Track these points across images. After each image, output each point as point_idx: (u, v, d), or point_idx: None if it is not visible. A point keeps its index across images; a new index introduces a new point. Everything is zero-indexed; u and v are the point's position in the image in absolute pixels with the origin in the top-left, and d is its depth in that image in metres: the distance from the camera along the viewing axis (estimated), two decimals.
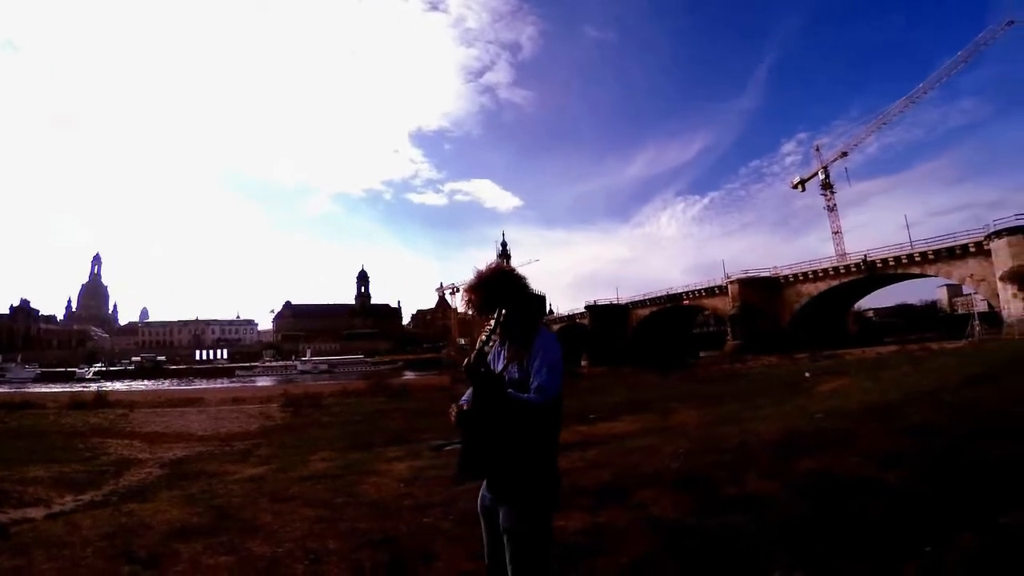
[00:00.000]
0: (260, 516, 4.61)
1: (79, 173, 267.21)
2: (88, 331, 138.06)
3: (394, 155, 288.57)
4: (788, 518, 3.74)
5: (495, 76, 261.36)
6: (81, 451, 9.79)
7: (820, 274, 52.43)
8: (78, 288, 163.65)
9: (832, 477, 4.67)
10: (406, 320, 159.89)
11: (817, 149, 77.30)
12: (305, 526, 4.25)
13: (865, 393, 11.26)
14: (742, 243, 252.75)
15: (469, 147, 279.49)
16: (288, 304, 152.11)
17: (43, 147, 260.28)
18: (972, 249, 41.22)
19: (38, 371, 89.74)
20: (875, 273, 49.01)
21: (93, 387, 40.60)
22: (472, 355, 1.91)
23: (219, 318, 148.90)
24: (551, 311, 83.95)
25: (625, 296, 74.10)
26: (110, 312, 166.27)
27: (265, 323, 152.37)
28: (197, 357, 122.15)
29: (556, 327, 73.62)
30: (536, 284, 2.24)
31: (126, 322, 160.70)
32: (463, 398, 2.15)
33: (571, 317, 77.89)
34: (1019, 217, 37.87)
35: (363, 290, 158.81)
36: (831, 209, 74.71)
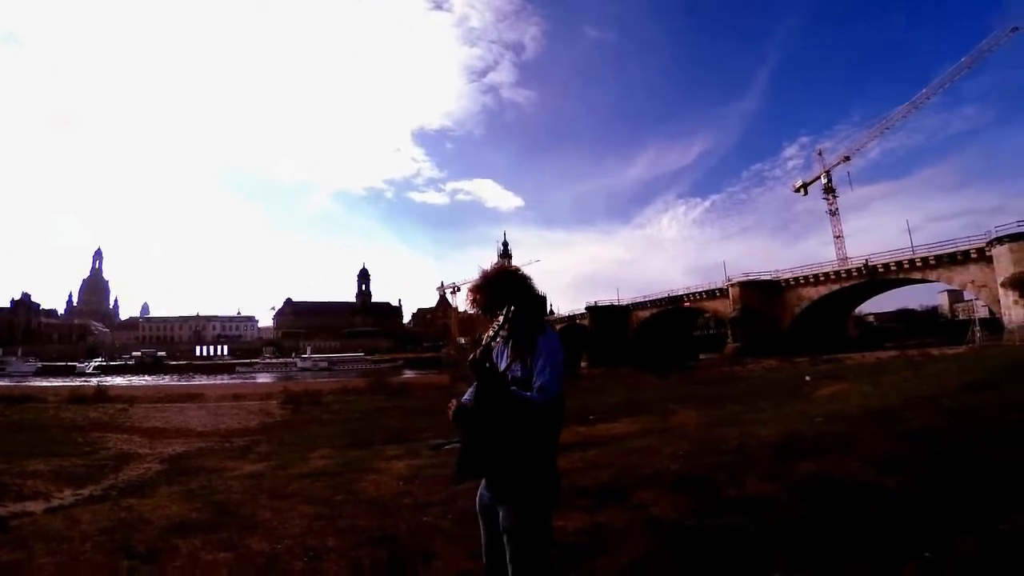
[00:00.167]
0: (259, 513, 4.61)
1: (80, 170, 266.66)
2: (89, 326, 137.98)
3: (396, 154, 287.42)
4: (788, 520, 3.74)
5: (498, 76, 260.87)
6: (81, 445, 9.81)
7: (821, 278, 52.42)
8: (79, 283, 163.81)
9: (832, 480, 4.67)
10: (407, 319, 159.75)
11: (820, 153, 77.57)
12: (304, 523, 4.25)
13: (865, 397, 11.25)
14: (742, 246, 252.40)
15: (471, 147, 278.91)
16: (289, 301, 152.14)
17: (44, 144, 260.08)
18: (974, 255, 41.22)
19: (38, 365, 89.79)
20: (876, 278, 49.00)
21: (93, 382, 40.50)
22: (478, 351, 1.92)
23: (220, 314, 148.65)
24: (551, 311, 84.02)
25: (626, 297, 74.32)
26: (111, 307, 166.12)
27: (266, 320, 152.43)
28: (197, 353, 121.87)
29: (557, 327, 73.53)
30: (537, 284, 2.25)
31: (127, 317, 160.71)
32: (464, 396, 2.15)
33: (571, 318, 77.96)
34: (1021, 224, 37.92)
35: (364, 288, 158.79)
36: (833, 213, 74.83)
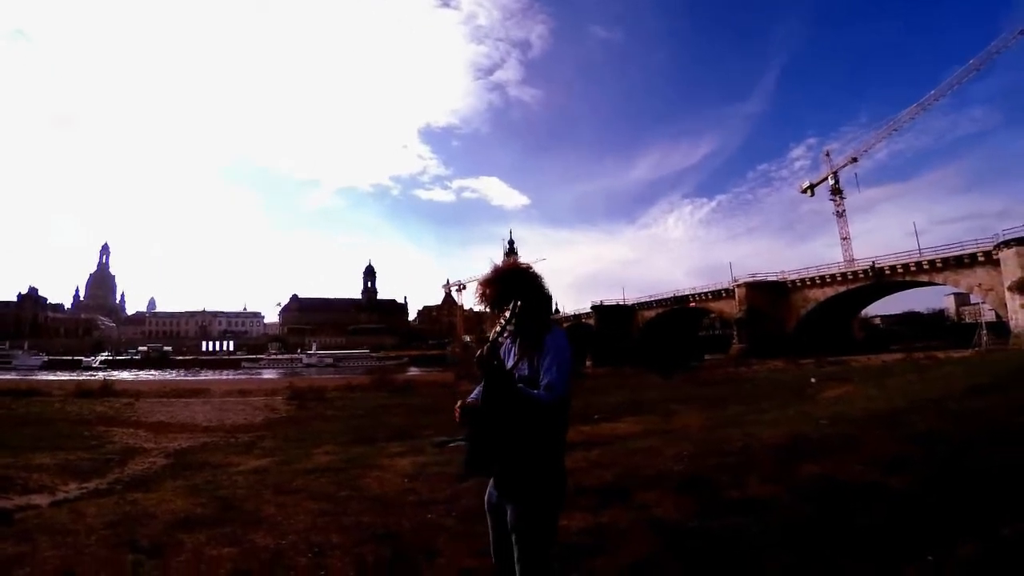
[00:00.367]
0: (264, 508, 4.62)
1: (84, 167, 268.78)
2: (95, 320, 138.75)
3: (402, 151, 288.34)
4: (791, 521, 3.73)
5: (505, 74, 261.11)
6: (86, 439, 9.86)
7: (828, 279, 52.22)
8: (86, 278, 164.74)
9: (836, 482, 4.66)
10: (412, 316, 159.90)
11: (827, 154, 77.12)
12: (308, 519, 4.26)
13: (870, 400, 11.20)
14: (747, 247, 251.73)
15: (477, 144, 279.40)
16: (295, 297, 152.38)
17: (45, 141, 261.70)
18: (980, 258, 41.02)
19: (45, 359, 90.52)
20: (883, 280, 48.77)
21: (99, 376, 40.84)
22: (485, 347, 1.92)
23: (226, 310, 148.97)
24: (557, 311, 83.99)
25: (632, 297, 74.13)
26: (117, 302, 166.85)
27: (271, 316, 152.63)
28: (203, 348, 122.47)
29: (563, 326, 73.42)
30: (546, 283, 2.24)
31: (133, 312, 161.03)
32: (471, 396, 2.15)
33: (577, 317, 77.88)
34: None
35: (369, 285, 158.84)
36: (840, 215, 74.40)
